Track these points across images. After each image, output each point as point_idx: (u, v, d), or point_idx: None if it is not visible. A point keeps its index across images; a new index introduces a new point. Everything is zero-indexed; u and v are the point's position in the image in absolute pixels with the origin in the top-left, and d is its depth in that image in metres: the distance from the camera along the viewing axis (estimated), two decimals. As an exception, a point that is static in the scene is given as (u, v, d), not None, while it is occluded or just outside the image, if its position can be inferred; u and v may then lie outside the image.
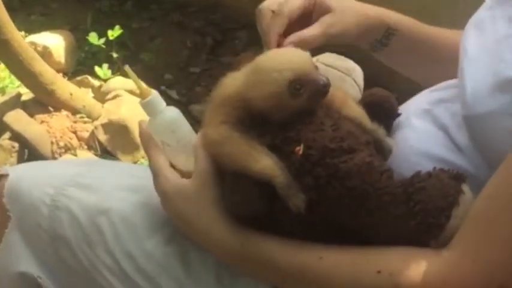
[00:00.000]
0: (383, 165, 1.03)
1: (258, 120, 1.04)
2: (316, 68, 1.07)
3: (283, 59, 1.06)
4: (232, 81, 1.08)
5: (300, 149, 1.01)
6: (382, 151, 1.08)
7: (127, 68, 1.17)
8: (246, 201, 1.03)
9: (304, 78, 1.03)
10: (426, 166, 1.04)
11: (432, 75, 1.34)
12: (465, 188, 1.00)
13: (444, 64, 1.31)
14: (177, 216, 1.13)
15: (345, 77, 1.18)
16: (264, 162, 1.01)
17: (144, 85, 1.17)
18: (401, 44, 1.31)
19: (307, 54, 1.07)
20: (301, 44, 1.14)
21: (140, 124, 1.17)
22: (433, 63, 1.36)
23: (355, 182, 0.99)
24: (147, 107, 1.16)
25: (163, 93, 3.01)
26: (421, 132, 1.14)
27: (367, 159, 1.01)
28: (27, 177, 1.32)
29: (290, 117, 1.03)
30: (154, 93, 1.16)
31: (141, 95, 1.16)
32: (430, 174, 1.01)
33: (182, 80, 3.19)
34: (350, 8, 1.24)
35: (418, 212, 0.98)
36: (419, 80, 1.42)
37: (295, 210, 1.00)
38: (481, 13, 1.16)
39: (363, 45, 1.31)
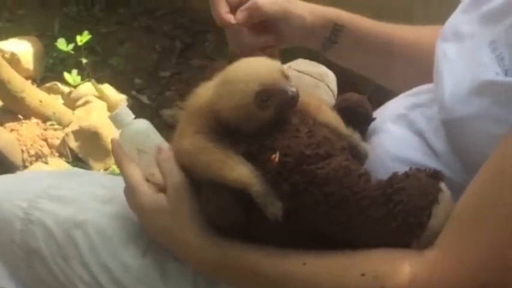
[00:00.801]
0: (360, 168, 1.03)
1: (231, 130, 1.03)
2: (286, 77, 1.04)
3: (251, 69, 1.04)
4: (205, 91, 1.07)
5: (275, 157, 1.00)
6: (358, 156, 1.07)
7: (93, 82, 1.18)
8: (222, 211, 1.02)
9: (272, 89, 1.01)
10: (403, 171, 1.03)
11: (390, 74, 1.34)
12: (443, 186, 1.00)
13: (403, 61, 1.31)
14: (155, 230, 1.12)
15: (318, 83, 1.17)
16: (240, 171, 1.00)
17: (111, 98, 1.17)
18: (350, 39, 1.30)
19: (276, 63, 1.06)
20: (255, 13, 1.22)
21: (112, 141, 1.16)
22: (387, 59, 1.35)
23: (333, 188, 0.98)
24: (117, 118, 1.15)
25: (134, 98, 3.03)
26: (397, 137, 1.14)
27: (343, 163, 1.01)
28: (-2, 190, 1.30)
29: (260, 128, 1.02)
30: (123, 105, 1.16)
31: (109, 108, 1.16)
32: (408, 174, 1.01)
33: (152, 85, 3.18)
34: (295, 10, 1.26)
35: (399, 212, 0.98)
36: (379, 80, 1.42)
37: (272, 218, 0.98)
38: (458, 17, 1.15)
39: (313, 45, 1.30)
